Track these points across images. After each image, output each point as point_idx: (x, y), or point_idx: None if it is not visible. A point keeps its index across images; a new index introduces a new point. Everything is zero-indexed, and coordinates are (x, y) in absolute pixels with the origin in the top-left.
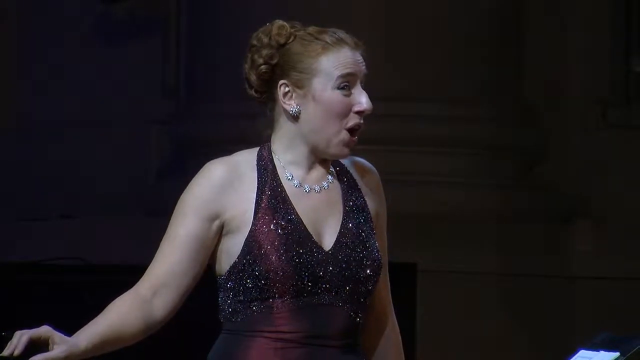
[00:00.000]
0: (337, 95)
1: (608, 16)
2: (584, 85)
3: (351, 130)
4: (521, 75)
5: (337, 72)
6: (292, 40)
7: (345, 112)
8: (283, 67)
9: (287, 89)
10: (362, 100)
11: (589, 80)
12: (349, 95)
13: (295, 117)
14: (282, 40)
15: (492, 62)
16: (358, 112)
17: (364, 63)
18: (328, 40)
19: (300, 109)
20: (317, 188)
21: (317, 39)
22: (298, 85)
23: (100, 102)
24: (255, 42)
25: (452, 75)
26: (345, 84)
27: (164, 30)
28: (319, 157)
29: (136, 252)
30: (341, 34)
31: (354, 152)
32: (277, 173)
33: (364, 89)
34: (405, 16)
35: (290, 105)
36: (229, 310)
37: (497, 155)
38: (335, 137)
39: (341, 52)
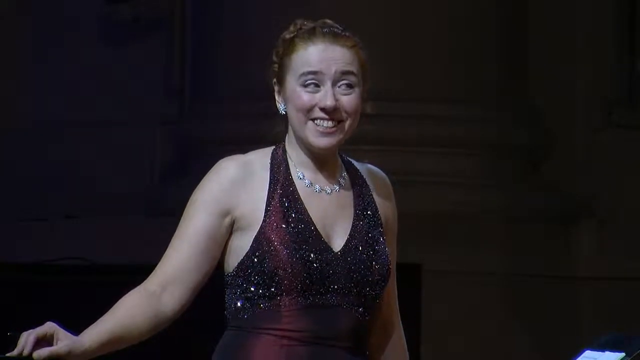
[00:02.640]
0: (301, 91)
1: (612, 15)
2: (588, 85)
3: (319, 119)
4: (525, 75)
5: (300, 69)
6: (290, 38)
7: (308, 108)
8: (277, 65)
9: (277, 87)
10: (324, 96)
11: (593, 80)
12: (315, 92)
13: (287, 115)
14: (287, 37)
15: (495, 62)
16: (322, 109)
17: (343, 57)
18: (305, 38)
19: (286, 107)
20: (328, 190)
21: (300, 37)
22: (280, 82)
23: (103, 102)
24: (278, 41)
25: (455, 75)
26: (310, 81)
27: (168, 30)
28: (320, 158)
29: (137, 252)
30: (323, 32)
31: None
32: (289, 172)
33: (348, 83)
34: (406, 16)
35: (279, 103)
36: (235, 307)
37: (500, 155)
38: (304, 129)
39: (309, 49)
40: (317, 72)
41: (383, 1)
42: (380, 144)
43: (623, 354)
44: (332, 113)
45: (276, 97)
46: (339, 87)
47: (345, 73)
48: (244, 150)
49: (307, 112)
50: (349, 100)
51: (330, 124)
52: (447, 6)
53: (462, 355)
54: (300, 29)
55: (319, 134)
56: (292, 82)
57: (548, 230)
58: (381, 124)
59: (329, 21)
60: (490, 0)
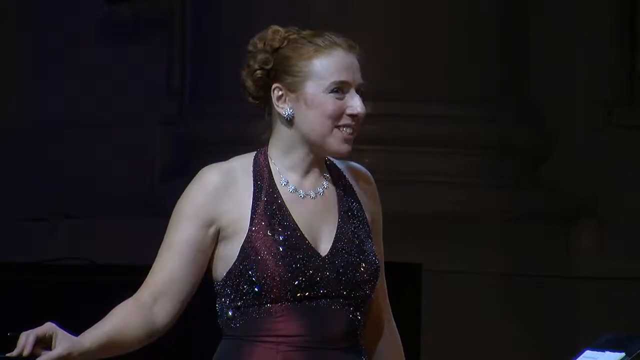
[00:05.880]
0: (329, 98)
1: (612, 15)
2: (587, 85)
3: (345, 127)
4: (525, 75)
5: (330, 77)
6: (286, 44)
7: (338, 115)
8: (277, 71)
9: (280, 92)
10: (355, 103)
11: (593, 80)
12: (341, 98)
13: (289, 121)
14: (275, 45)
15: (495, 62)
16: (351, 115)
17: (358, 66)
18: (320, 43)
19: (294, 112)
20: (312, 194)
21: (309, 42)
22: (291, 88)
23: (103, 102)
24: (251, 47)
25: (455, 75)
26: (338, 87)
27: (168, 30)
28: (316, 159)
29: (136, 252)
30: (335, 37)
31: (355, 151)
32: (273, 179)
33: (362, 91)
34: (406, 16)
35: (284, 108)
36: (227, 316)
37: (500, 155)
38: (330, 136)
39: (333, 55)
40: (346, 80)
41: (383, 1)
42: (380, 144)
43: (623, 354)
44: (358, 119)
45: (276, 102)
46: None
47: (362, 81)
48: (243, 151)
49: (335, 118)
50: (364, 106)
51: (353, 131)
52: (447, 6)
53: (462, 355)
54: (289, 34)
55: (343, 141)
56: (314, 88)
57: (548, 230)
58: (381, 124)
59: (296, 28)
60: (490, 0)
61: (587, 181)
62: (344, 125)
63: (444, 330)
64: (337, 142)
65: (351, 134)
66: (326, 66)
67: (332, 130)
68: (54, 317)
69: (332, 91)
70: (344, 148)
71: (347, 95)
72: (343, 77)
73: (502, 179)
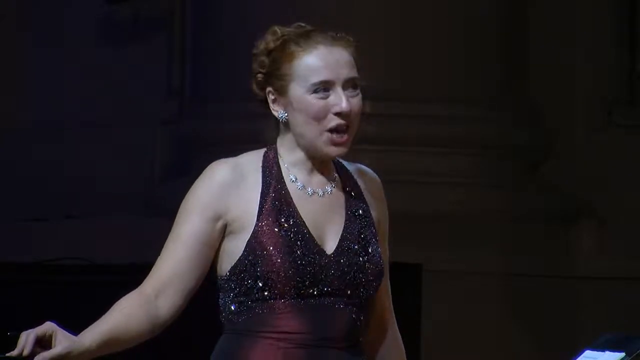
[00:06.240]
0: (312, 99)
1: (612, 15)
2: (588, 85)
3: (334, 130)
4: (525, 75)
5: (311, 77)
6: (278, 46)
7: (323, 115)
8: (270, 74)
9: (273, 96)
10: (339, 101)
11: (593, 80)
12: (325, 97)
13: (285, 123)
14: (271, 46)
15: (495, 62)
16: (337, 114)
17: (347, 60)
18: (302, 44)
19: (287, 115)
20: (320, 192)
21: (295, 43)
22: (280, 92)
23: (103, 102)
24: (255, 50)
25: (455, 75)
26: (322, 87)
27: (168, 30)
28: (318, 160)
29: (137, 252)
30: (319, 35)
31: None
32: (281, 175)
33: (355, 84)
34: (406, 16)
35: (278, 112)
36: (230, 310)
37: (500, 155)
38: (318, 139)
39: (313, 54)
40: (328, 79)
41: (383, 1)
42: (380, 144)
43: (623, 354)
44: (346, 116)
45: (271, 106)
46: (346, 89)
47: (351, 75)
48: (243, 150)
49: (322, 119)
50: (356, 102)
51: (344, 135)
52: (447, 6)
53: (462, 355)
54: (283, 35)
55: (330, 144)
56: (298, 90)
57: (548, 230)
58: (381, 124)
59: (302, 24)
60: (490, 0)
61: (587, 181)
62: (334, 129)
63: (444, 330)
64: (324, 145)
65: (343, 135)
66: (306, 67)
67: (320, 133)
68: (54, 317)
69: (314, 92)
70: (333, 151)
71: (332, 93)
72: (324, 77)
73: (502, 179)
